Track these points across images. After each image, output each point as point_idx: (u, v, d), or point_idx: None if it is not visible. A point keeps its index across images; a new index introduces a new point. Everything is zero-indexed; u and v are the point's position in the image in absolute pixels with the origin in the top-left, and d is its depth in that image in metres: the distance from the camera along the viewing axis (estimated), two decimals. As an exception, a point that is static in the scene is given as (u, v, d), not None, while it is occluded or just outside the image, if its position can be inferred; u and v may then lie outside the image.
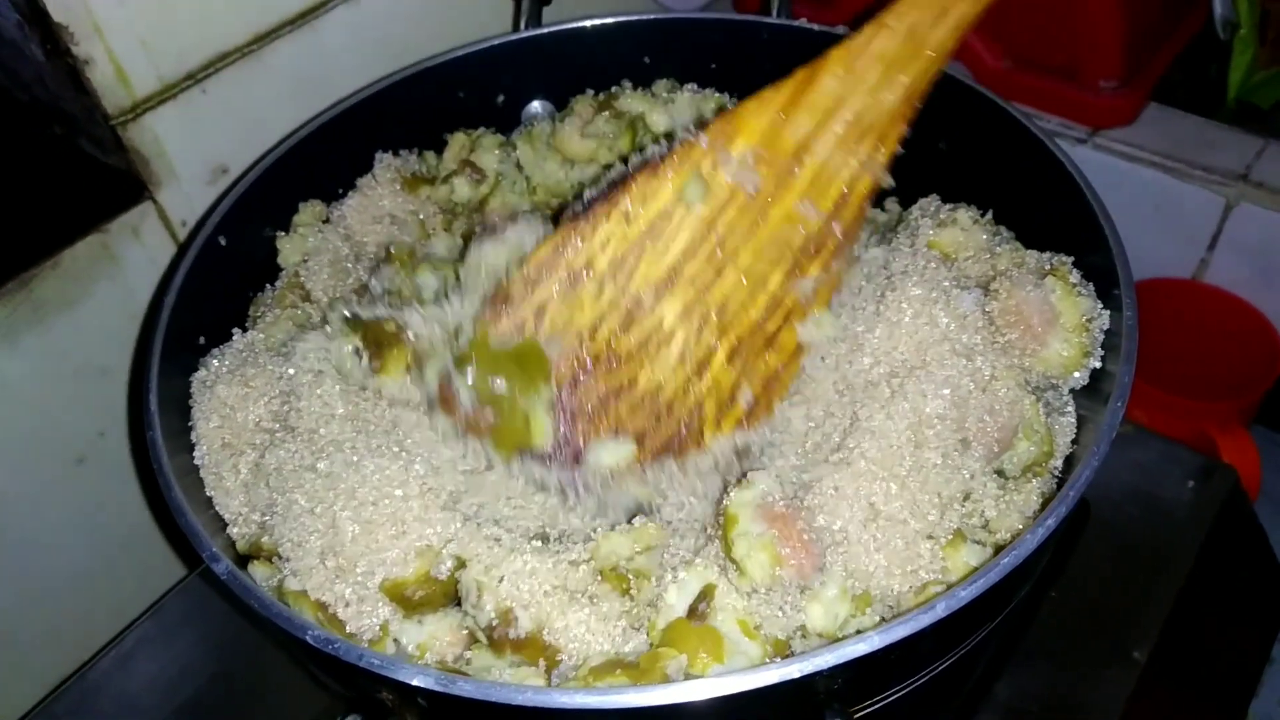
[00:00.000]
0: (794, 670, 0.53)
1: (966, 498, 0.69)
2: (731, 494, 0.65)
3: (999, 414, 0.70)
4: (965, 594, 0.56)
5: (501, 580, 0.63)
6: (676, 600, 0.62)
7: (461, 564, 0.65)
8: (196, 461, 0.74)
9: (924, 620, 0.55)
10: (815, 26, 0.96)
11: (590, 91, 1.01)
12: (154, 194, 0.92)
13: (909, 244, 0.79)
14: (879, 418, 0.68)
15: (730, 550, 0.63)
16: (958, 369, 0.70)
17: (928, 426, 0.68)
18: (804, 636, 0.63)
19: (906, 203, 0.88)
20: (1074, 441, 0.72)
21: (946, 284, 0.74)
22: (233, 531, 0.72)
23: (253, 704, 0.87)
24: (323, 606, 0.65)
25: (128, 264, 0.92)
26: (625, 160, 0.91)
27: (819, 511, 0.66)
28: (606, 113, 0.97)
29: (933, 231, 0.80)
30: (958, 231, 0.80)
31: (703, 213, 0.70)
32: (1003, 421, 0.70)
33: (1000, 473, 0.71)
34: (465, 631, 0.66)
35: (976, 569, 0.59)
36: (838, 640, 0.56)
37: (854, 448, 0.68)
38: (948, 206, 0.84)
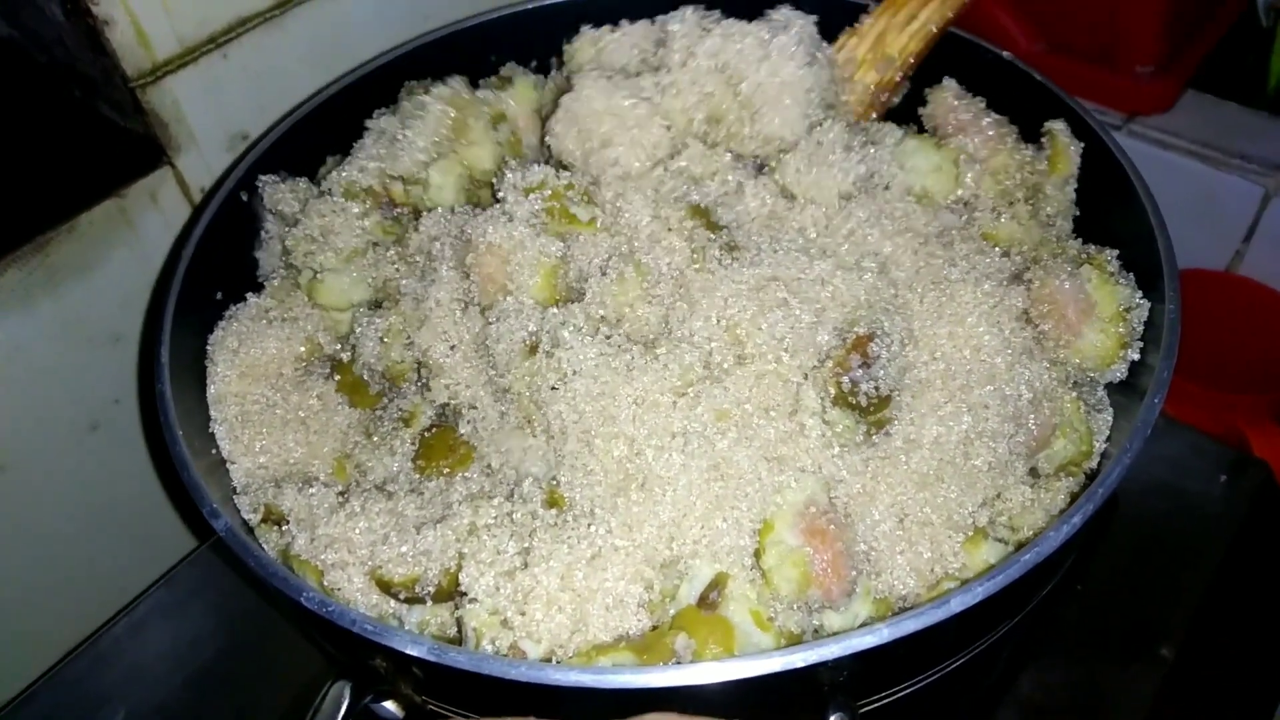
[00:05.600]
0: (797, 659, 0.51)
1: (998, 497, 0.67)
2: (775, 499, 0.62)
3: (1041, 411, 0.67)
4: (981, 590, 0.54)
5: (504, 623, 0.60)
6: (687, 590, 0.60)
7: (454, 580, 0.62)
8: (212, 416, 0.73)
9: (936, 615, 0.53)
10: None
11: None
12: (172, 159, 0.91)
13: (963, 232, 0.76)
14: (930, 423, 0.65)
15: (760, 555, 0.60)
16: (1020, 380, 0.67)
17: (981, 438, 0.65)
18: (818, 634, 0.61)
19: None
20: (1106, 438, 0.70)
21: (1005, 279, 0.71)
22: (242, 497, 0.71)
23: (261, 676, 0.87)
24: (323, 574, 0.64)
25: (145, 230, 0.91)
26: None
27: (858, 522, 0.64)
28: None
29: (992, 225, 0.77)
30: (1015, 226, 0.77)
31: None
32: (1044, 420, 0.67)
33: (1032, 471, 0.69)
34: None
35: (994, 566, 0.58)
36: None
37: (899, 452, 0.65)
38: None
